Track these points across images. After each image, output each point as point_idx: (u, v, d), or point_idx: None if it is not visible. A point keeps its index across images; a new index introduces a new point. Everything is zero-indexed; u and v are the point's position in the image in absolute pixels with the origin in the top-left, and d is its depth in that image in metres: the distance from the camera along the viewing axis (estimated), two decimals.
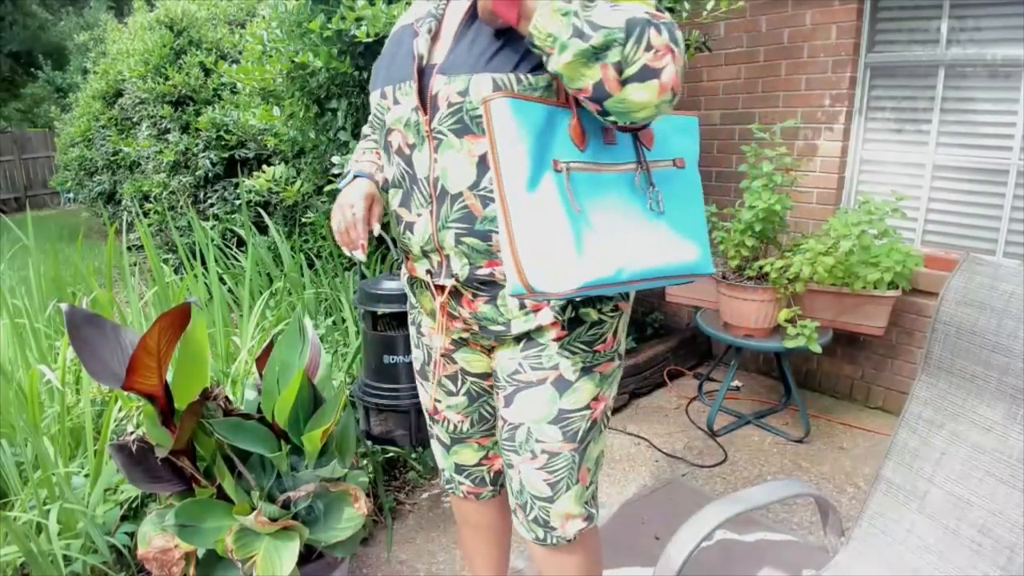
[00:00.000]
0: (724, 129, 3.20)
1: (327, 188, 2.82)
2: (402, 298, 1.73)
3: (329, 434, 1.61)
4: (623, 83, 0.89)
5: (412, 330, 1.37)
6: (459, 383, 1.31)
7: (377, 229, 1.20)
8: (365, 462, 2.17)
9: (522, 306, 1.13)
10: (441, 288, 1.18)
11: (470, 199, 1.08)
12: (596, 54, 0.88)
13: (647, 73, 0.88)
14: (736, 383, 3.17)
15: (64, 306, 1.45)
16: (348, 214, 1.17)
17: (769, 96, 3.00)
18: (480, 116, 1.01)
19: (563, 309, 1.12)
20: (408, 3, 2.08)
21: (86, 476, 1.79)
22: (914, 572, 1.21)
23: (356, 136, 2.62)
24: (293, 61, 2.46)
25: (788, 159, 2.52)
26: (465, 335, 1.24)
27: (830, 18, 2.74)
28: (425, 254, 1.17)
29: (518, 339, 1.16)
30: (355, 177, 1.23)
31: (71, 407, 2.04)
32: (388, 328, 1.91)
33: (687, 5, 2.35)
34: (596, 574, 1.32)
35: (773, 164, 2.48)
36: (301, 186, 3.10)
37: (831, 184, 2.88)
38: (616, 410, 2.92)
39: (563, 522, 1.21)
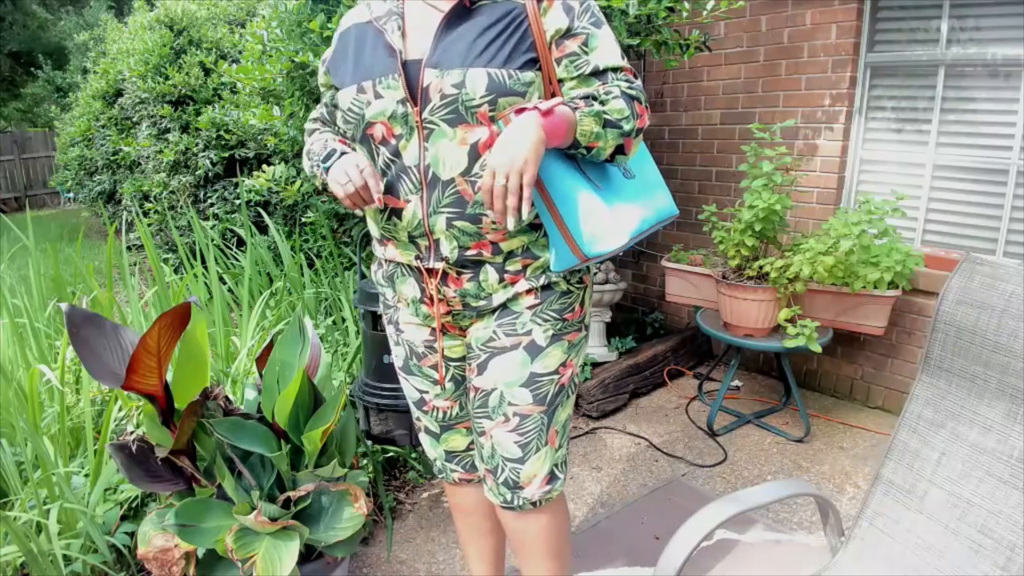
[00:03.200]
0: (724, 129, 3.20)
1: None
2: None
3: (329, 434, 1.61)
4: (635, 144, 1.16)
5: (389, 329, 1.41)
6: (445, 371, 1.37)
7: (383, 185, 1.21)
8: (365, 462, 2.17)
9: (501, 280, 1.21)
10: (432, 272, 1.23)
11: (462, 185, 1.15)
12: (623, 135, 1.13)
13: (639, 132, 1.17)
14: (736, 383, 3.17)
15: (64, 306, 1.45)
16: (356, 173, 1.15)
17: (769, 96, 3.00)
18: (477, 107, 1.11)
19: (537, 278, 1.23)
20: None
21: (86, 476, 1.79)
22: (914, 572, 1.21)
23: None
24: (293, 61, 2.47)
25: (788, 159, 2.52)
26: (445, 318, 1.30)
27: (830, 18, 2.74)
28: (412, 239, 1.21)
29: (495, 310, 1.25)
30: (342, 154, 1.22)
31: (71, 407, 2.04)
32: None
33: (687, 5, 2.35)
34: (562, 540, 1.39)
35: (773, 164, 2.48)
36: (301, 186, 3.10)
37: (831, 184, 2.88)
38: (616, 410, 2.92)
39: (530, 482, 1.29)
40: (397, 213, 1.20)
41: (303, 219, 3.42)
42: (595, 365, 2.99)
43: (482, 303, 1.24)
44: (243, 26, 4.61)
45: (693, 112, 3.32)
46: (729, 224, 2.63)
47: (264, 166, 3.14)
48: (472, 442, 1.45)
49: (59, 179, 8.45)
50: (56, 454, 1.81)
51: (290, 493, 1.53)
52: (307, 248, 3.51)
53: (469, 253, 1.19)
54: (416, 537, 2.09)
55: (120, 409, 1.99)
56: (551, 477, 1.31)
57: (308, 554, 1.58)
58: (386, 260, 1.31)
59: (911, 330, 2.73)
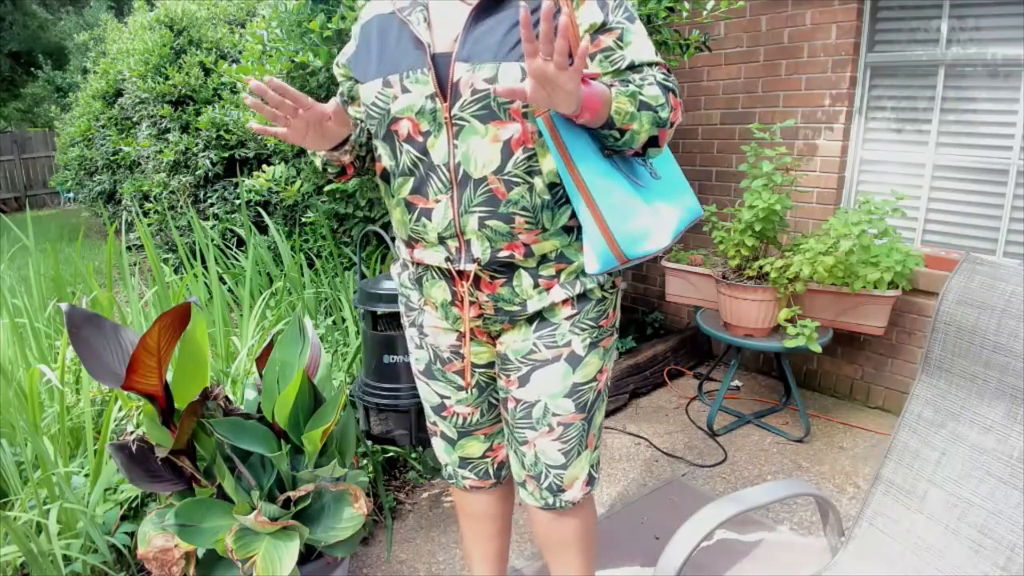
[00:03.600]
0: (724, 129, 3.20)
1: (327, 188, 2.82)
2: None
3: (329, 434, 1.61)
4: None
5: (412, 332, 1.38)
6: (469, 376, 1.34)
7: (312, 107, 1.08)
8: (365, 462, 2.17)
9: (535, 285, 1.20)
10: (463, 274, 1.20)
11: (494, 183, 1.12)
12: (658, 123, 1.08)
13: (673, 125, 1.12)
14: (736, 383, 3.17)
15: (64, 306, 1.45)
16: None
17: (769, 96, 3.00)
18: (509, 103, 1.07)
19: (572, 285, 1.22)
20: None
21: (86, 476, 1.79)
22: (914, 572, 1.21)
23: None
24: (293, 61, 2.47)
25: (788, 159, 2.52)
26: (475, 323, 1.27)
27: (830, 18, 2.74)
28: (442, 240, 1.17)
29: (530, 320, 1.23)
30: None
31: (71, 407, 2.04)
32: (388, 328, 1.91)
33: (687, 5, 2.34)
34: (592, 537, 1.43)
35: (773, 164, 2.48)
36: (301, 186, 3.10)
37: (831, 184, 2.88)
38: (616, 410, 2.92)
39: (572, 485, 1.31)
40: (426, 214, 1.16)
41: (303, 219, 3.42)
42: None
43: (516, 308, 1.22)
44: (243, 26, 4.61)
45: (693, 112, 3.32)
46: (729, 224, 2.63)
47: (264, 166, 3.14)
48: (488, 448, 1.44)
49: (59, 179, 8.44)
50: (56, 454, 1.81)
51: (290, 493, 1.53)
52: (307, 248, 3.51)
53: (501, 255, 1.16)
54: (416, 537, 2.09)
55: (120, 409, 1.99)
56: (590, 478, 1.33)
57: (308, 554, 1.58)
58: (414, 262, 1.27)
59: (911, 330, 2.73)
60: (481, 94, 1.07)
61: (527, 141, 1.11)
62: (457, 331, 1.30)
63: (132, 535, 1.71)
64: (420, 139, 1.12)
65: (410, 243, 1.24)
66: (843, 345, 2.94)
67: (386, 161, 1.20)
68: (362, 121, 1.25)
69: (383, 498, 2.15)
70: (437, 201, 1.14)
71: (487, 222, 1.13)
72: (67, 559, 1.60)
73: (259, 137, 3.86)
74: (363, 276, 2.45)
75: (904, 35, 2.68)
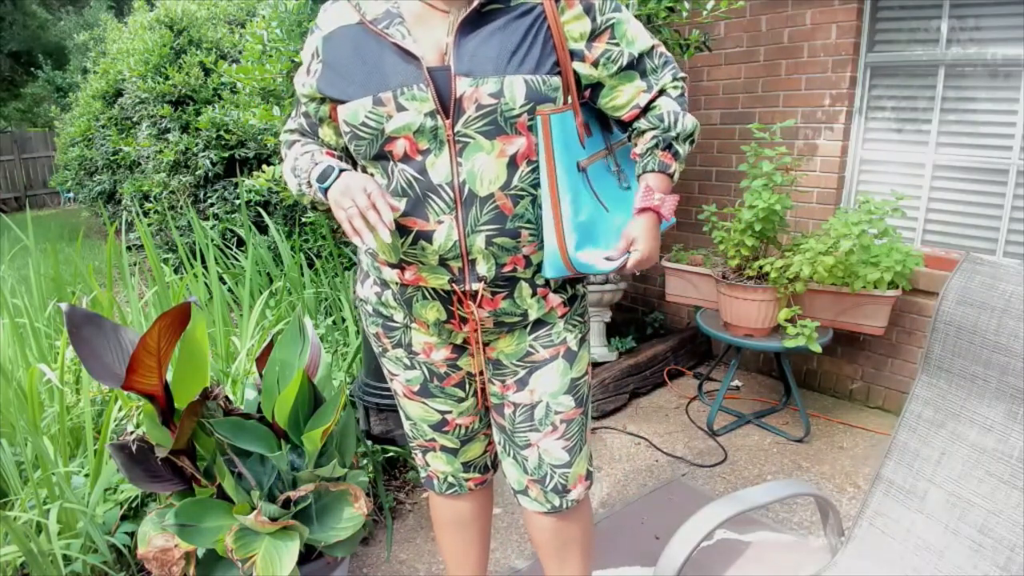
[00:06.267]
0: (724, 129, 3.20)
1: None
2: None
3: (329, 434, 1.61)
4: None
5: (398, 352, 1.31)
6: (467, 386, 1.34)
7: (399, 208, 1.09)
8: (365, 462, 2.17)
9: (533, 294, 1.20)
10: (467, 294, 1.17)
11: (501, 199, 1.09)
12: (689, 137, 1.25)
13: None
14: (736, 383, 3.16)
15: (64, 306, 1.45)
16: (362, 197, 1.03)
17: (769, 96, 3.00)
18: (516, 117, 1.05)
19: (564, 288, 1.24)
20: None
21: (86, 476, 1.79)
22: (914, 572, 1.21)
23: None
24: (293, 61, 2.46)
25: (788, 159, 2.52)
26: (471, 334, 1.25)
27: (830, 18, 2.74)
28: (444, 262, 1.13)
29: (525, 324, 1.23)
30: (341, 171, 1.10)
31: (71, 407, 2.04)
32: None
33: (687, 5, 2.34)
34: (592, 535, 1.45)
35: (773, 164, 2.48)
36: None
37: (831, 184, 2.88)
38: (616, 410, 2.92)
39: (577, 483, 1.31)
40: (425, 236, 1.10)
41: (303, 219, 3.43)
42: (595, 365, 2.99)
43: (517, 319, 1.21)
44: (243, 26, 4.61)
45: (693, 112, 3.30)
46: (729, 224, 2.63)
47: (264, 166, 3.14)
48: (486, 445, 1.44)
49: (59, 179, 8.44)
50: (56, 454, 1.81)
51: (290, 493, 1.53)
52: (307, 248, 3.51)
53: (505, 270, 1.15)
54: (416, 537, 2.09)
55: (120, 409, 1.99)
56: (588, 474, 1.34)
57: (308, 554, 1.58)
58: (402, 283, 1.20)
59: (911, 330, 2.73)
60: (487, 109, 1.04)
61: (531, 154, 1.10)
62: (451, 344, 1.28)
63: (132, 535, 1.71)
64: (419, 158, 1.07)
65: (400, 265, 1.18)
66: (843, 345, 2.94)
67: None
68: (332, 145, 1.23)
69: (383, 498, 2.15)
70: (440, 223, 1.09)
71: (495, 239, 1.10)
72: (67, 559, 1.60)
73: (259, 137, 3.86)
74: None
75: (904, 35, 2.68)
